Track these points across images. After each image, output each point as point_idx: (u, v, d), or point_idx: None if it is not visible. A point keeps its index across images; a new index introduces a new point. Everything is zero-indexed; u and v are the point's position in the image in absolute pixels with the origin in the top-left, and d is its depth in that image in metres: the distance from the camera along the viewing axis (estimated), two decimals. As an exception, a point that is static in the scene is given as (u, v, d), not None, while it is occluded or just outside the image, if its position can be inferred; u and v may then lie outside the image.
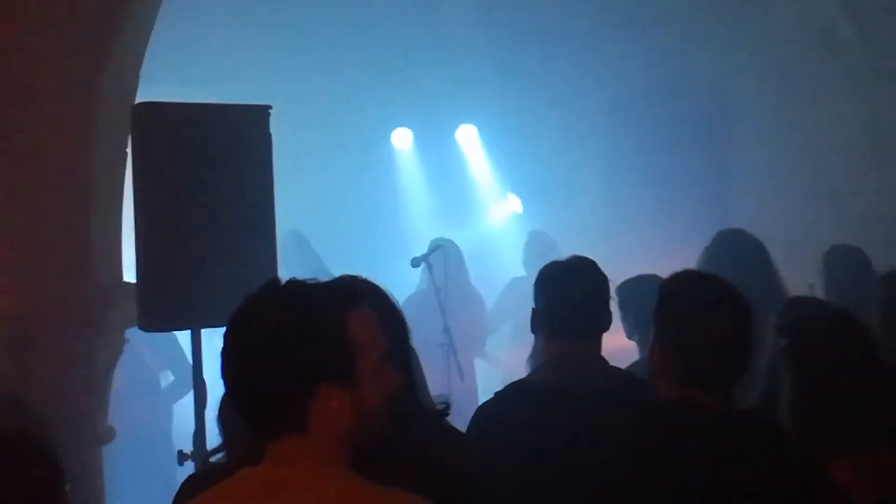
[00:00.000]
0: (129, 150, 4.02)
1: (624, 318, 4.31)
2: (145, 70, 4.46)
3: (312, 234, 7.20)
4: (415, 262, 6.30)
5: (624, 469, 2.46)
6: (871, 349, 2.80)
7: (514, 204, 8.88)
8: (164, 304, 3.62)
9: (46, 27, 4.07)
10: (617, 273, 3.72)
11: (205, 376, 3.77)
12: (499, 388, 3.28)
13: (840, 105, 6.58)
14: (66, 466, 2.60)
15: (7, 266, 4.09)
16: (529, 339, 3.43)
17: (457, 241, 6.95)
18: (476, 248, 7.79)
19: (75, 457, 3.63)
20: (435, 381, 2.92)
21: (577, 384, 3.02)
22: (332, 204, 8.37)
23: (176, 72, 6.68)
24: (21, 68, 4.06)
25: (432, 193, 8.87)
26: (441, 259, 6.29)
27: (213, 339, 2.67)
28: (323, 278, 2.02)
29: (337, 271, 2.61)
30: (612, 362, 3.24)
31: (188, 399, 4.14)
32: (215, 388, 2.65)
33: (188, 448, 3.74)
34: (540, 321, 3.22)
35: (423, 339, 2.78)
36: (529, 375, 3.35)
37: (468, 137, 8.97)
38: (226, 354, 1.90)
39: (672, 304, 2.57)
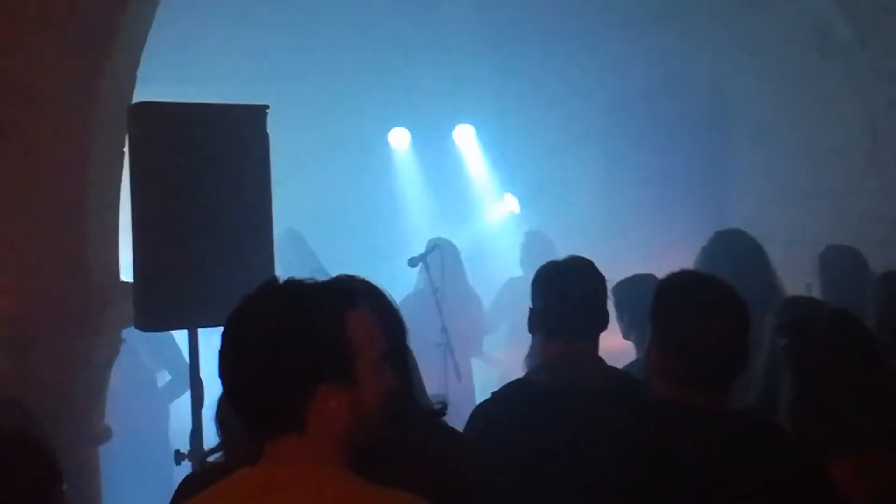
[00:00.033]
0: (125, 149, 4.02)
1: (620, 318, 4.31)
2: (143, 70, 4.45)
3: (310, 234, 7.21)
4: (412, 262, 6.30)
5: (621, 469, 2.46)
6: (870, 349, 2.80)
7: (511, 204, 8.87)
8: (160, 304, 3.61)
9: (46, 27, 4.07)
10: (615, 273, 3.72)
11: (202, 376, 3.77)
12: (496, 388, 3.27)
13: (839, 105, 6.58)
14: (63, 466, 2.60)
15: (7, 266, 4.09)
16: (526, 338, 3.42)
17: (454, 241, 6.93)
18: (473, 248, 7.79)
19: (72, 456, 3.64)
20: (432, 381, 2.93)
21: (575, 384, 3.02)
22: (330, 203, 8.37)
23: (174, 71, 6.68)
24: (21, 68, 4.06)
25: (429, 193, 8.86)
26: (438, 259, 6.28)
27: (212, 339, 2.67)
28: (320, 277, 2.01)
29: (335, 271, 2.60)
30: (609, 362, 3.24)
31: (185, 399, 4.14)
32: (212, 388, 2.65)
33: (185, 448, 3.74)
34: (537, 321, 3.22)
35: (420, 338, 2.78)
36: (527, 375, 3.35)
37: (465, 137, 8.96)
38: (223, 354, 1.89)
39: (668, 305, 2.57)
